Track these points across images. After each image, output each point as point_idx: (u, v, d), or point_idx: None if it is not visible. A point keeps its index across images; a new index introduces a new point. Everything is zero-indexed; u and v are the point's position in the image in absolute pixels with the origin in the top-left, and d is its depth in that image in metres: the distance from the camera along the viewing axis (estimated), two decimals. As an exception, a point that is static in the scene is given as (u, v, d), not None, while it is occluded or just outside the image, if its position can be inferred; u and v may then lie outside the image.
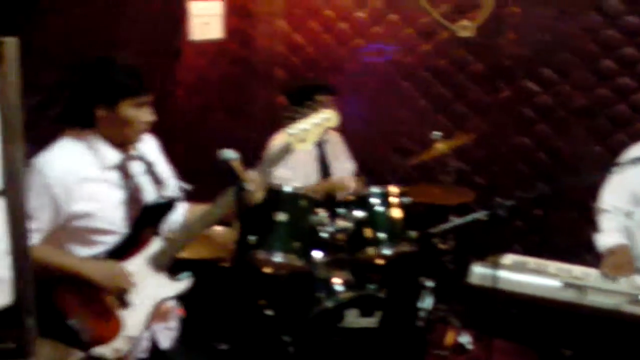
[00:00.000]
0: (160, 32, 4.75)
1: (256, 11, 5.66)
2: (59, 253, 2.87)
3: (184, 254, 3.79)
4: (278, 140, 4.76)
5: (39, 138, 3.68)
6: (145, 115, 2.90)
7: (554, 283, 3.83)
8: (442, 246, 4.58)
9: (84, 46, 4.06)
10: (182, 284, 3.08)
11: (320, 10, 5.52)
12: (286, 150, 3.26)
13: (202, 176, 5.08)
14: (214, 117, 5.48)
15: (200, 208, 3.17)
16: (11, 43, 1.89)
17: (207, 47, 5.28)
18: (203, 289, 3.36)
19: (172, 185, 3.21)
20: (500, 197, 5.02)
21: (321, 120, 3.37)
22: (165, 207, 3.03)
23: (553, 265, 4.12)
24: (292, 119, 4.69)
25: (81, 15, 4.05)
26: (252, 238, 3.92)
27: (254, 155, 5.01)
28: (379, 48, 5.39)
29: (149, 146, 3.14)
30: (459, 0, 5.13)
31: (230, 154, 2.84)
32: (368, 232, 4.10)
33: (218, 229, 4.19)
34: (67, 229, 2.88)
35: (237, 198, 2.70)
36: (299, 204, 4.03)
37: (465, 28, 5.12)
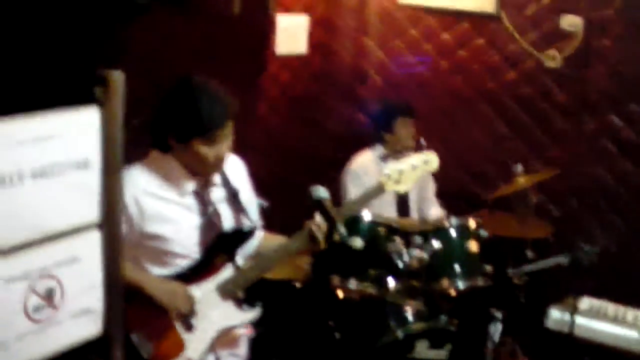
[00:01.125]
0: (247, 45, 4.75)
1: (342, 26, 5.64)
2: (128, 267, 2.85)
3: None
4: (359, 160, 4.79)
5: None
6: (220, 149, 2.84)
7: (632, 334, 3.74)
8: (516, 280, 4.49)
9: (171, 65, 4.13)
10: (249, 314, 3.05)
11: (407, 30, 5.47)
12: (378, 190, 3.24)
13: (280, 191, 5.13)
14: (294, 131, 5.47)
15: (275, 239, 3.17)
16: (118, 77, 1.89)
17: (291, 62, 5.29)
18: (275, 309, 3.35)
19: (254, 213, 3.17)
20: (578, 233, 4.98)
21: (421, 163, 3.33)
22: (241, 236, 3.01)
23: (632, 313, 4.02)
24: (378, 141, 4.74)
25: (166, 38, 4.09)
26: (327, 262, 3.91)
27: (335, 172, 5.09)
28: (462, 72, 5.32)
29: (236, 171, 3.11)
30: (548, 29, 5.02)
31: (322, 193, 2.82)
32: (443, 264, 4.06)
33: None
34: (143, 248, 2.89)
35: (326, 237, 2.68)
36: (376, 231, 4.01)
37: (553, 58, 5.02)
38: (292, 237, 3.05)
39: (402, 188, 3.28)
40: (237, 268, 3.00)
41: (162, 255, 2.89)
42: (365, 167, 4.71)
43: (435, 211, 4.91)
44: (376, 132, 4.85)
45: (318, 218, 2.97)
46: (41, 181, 1.70)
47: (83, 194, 1.82)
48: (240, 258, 3.04)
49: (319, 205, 2.80)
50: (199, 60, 4.31)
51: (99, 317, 1.91)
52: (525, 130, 5.19)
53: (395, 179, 3.24)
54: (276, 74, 5.13)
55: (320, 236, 2.95)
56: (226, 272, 2.98)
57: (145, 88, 3.91)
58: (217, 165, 2.87)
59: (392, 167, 3.27)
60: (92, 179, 1.85)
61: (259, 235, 3.23)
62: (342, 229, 2.76)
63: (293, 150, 5.53)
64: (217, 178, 2.99)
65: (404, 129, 4.75)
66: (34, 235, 1.72)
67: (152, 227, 2.83)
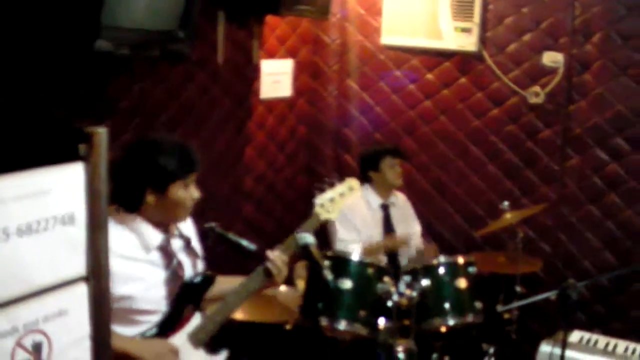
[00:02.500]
0: (233, 92, 4.82)
1: (325, 70, 5.73)
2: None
3: (247, 316, 3.85)
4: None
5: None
6: (193, 192, 2.95)
7: (624, 366, 3.76)
8: (506, 315, 4.52)
9: (157, 115, 4.21)
10: (218, 358, 3.14)
11: (390, 71, 5.55)
12: (315, 222, 3.35)
13: (269, 235, 5.15)
14: (283, 176, 5.53)
15: (229, 280, 3.21)
16: (102, 133, 1.94)
17: (277, 105, 5.35)
18: (265, 352, 3.38)
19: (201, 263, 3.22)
20: (568, 268, 5.02)
21: (346, 190, 3.51)
22: (204, 282, 3.07)
23: (622, 345, 4.05)
24: (366, 180, 4.80)
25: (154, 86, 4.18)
26: (316, 304, 3.93)
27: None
28: (447, 111, 5.40)
29: (186, 223, 3.17)
30: (530, 66, 5.11)
31: (308, 239, 2.87)
32: (433, 302, 4.09)
33: (283, 289, 4.21)
34: (111, 310, 2.90)
35: (313, 280, 2.72)
36: (365, 272, 4.03)
37: (536, 94, 5.09)
38: (250, 276, 3.12)
39: (332, 216, 3.44)
40: (205, 315, 3.07)
41: (130, 314, 2.90)
42: (353, 207, 4.75)
43: (417, 227, 5.05)
44: (363, 171, 4.93)
45: (274, 253, 3.07)
46: (27, 237, 1.75)
47: (70, 248, 1.87)
48: (204, 305, 3.11)
49: (304, 251, 2.85)
50: (185, 111, 4.39)
51: (87, 370, 1.94)
52: (512, 169, 5.26)
53: (326, 208, 3.40)
54: (261, 119, 5.19)
55: (275, 271, 3.03)
56: (195, 321, 3.04)
57: (132, 137, 3.97)
58: (190, 208, 2.97)
59: (323, 196, 3.44)
60: (79, 233, 1.90)
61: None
62: (329, 274, 2.80)
63: (284, 195, 5.57)
64: (175, 229, 3.06)
65: (391, 168, 4.84)
66: (21, 290, 1.76)
67: (121, 289, 2.84)
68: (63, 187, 1.84)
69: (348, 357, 4.20)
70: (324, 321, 3.90)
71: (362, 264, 4.04)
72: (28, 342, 1.77)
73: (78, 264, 1.89)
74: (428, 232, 5.18)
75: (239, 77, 4.87)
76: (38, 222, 1.77)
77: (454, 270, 4.17)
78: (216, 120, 4.68)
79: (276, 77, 5.28)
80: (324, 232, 4.84)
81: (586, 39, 4.94)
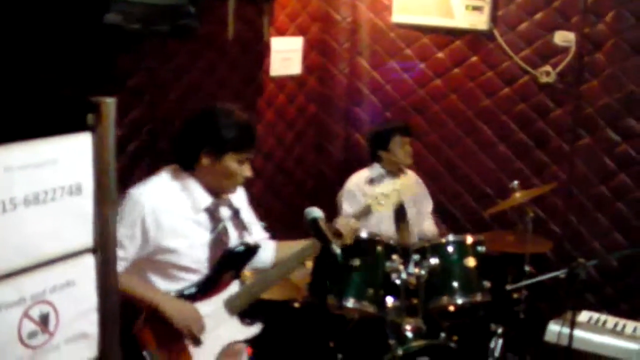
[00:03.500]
0: (243, 68, 4.80)
1: (335, 48, 5.70)
2: (142, 285, 2.98)
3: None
4: (354, 180, 4.85)
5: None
6: (246, 170, 3.01)
7: (632, 346, 3.75)
8: (515, 295, 4.50)
9: (167, 91, 4.21)
10: (252, 329, 3.18)
11: (401, 50, 5.52)
12: (366, 212, 3.49)
13: (278, 214, 5.15)
14: (293, 154, 5.52)
15: (289, 245, 3.29)
16: (110, 104, 1.92)
17: (286, 83, 5.33)
18: (273, 329, 3.39)
19: (257, 232, 3.31)
20: (577, 248, 4.99)
21: (400, 187, 3.57)
22: (246, 253, 3.12)
23: (631, 325, 4.03)
24: (375, 159, 4.79)
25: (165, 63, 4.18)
26: (325, 282, 3.92)
27: (331, 192, 5.14)
28: (457, 90, 5.37)
29: (237, 194, 3.22)
30: (541, 45, 5.06)
31: (316, 213, 2.88)
32: (442, 281, 4.09)
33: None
34: (152, 261, 2.99)
35: (323, 256, 2.73)
36: (374, 250, 4.04)
37: (547, 74, 5.05)
38: (295, 254, 3.21)
39: (385, 209, 3.57)
40: (243, 284, 3.14)
41: (173, 269, 2.99)
42: (360, 185, 4.76)
43: (428, 226, 4.94)
44: (373, 150, 4.91)
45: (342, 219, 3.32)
46: (34, 207, 1.73)
47: (77, 219, 1.85)
48: (250, 270, 3.23)
49: (313, 225, 2.85)
50: (195, 86, 4.38)
51: (95, 342, 1.93)
52: (523, 148, 5.22)
53: (379, 201, 3.51)
54: (271, 96, 5.17)
55: (344, 231, 3.28)
56: (233, 288, 3.11)
57: (141, 114, 3.97)
58: (240, 183, 3.05)
59: (377, 191, 3.54)
60: (86, 204, 1.88)
61: (271, 246, 3.37)
62: (337, 249, 2.80)
63: (294, 173, 5.57)
64: (227, 197, 3.12)
65: (400, 147, 4.81)
66: (27, 261, 1.75)
67: (168, 242, 2.94)
68: (70, 157, 1.82)
69: (356, 335, 4.19)
70: (331, 299, 3.90)
71: (371, 242, 4.05)
72: (35, 312, 1.76)
73: (85, 235, 1.88)
74: (437, 211, 5.15)
75: (248, 55, 4.85)
76: (45, 192, 1.75)
77: (463, 249, 4.17)
78: (225, 98, 4.65)
79: (286, 55, 5.25)
80: (332, 209, 4.86)
81: (598, 18, 4.88)
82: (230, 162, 2.96)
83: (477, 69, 5.30)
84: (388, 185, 3.58)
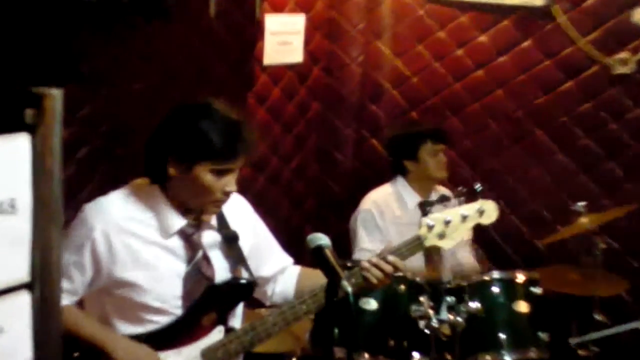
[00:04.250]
0: (229, 55, 4.84)
1: (348, 28, 5.72)
2: (90, 322, 2.97)
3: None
4: (374, 198, 4.86)
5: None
6: (227, 183, 2.94)
7: None
8: (581, 352, 4.46)
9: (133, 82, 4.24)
10: None
11: (432, 32, 5.55)
12: (416, 246, 3.30)
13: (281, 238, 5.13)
14: (288, 163, 5.52)
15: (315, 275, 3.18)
16: (55, 96, 1.88)
17: (284, 74, 5.35)
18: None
19: (275, 259, 3.35)
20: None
21: (474, 213, 3.41)
22: (237, 291, 3.11)
23: None
24: (399, 172, 4.78)
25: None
26: (332, 330, 3.90)
27: (343, 214, 5.14)
28: (504, 84, 5.39)
29: (236, 211, 3.21)
30: (616, 26, 5.07)
31: (321, 240, 2.80)
32: (484, 331, 4.07)
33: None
34: (110, 298, 2.98)
35: (329, 296, 2.68)
36: (395, 288, 4.01)
37: (624, 62, 5.04)
38: (303, 298, 3.13)
39: (446, 244, 3.36)
40: (230, 331, 3.09)
41: (134, 309, 2.97)
42: (382, 207, 4.75)
43: (465, 258, 4.94)
44: (396, 161, 4.91)
45: (372, 260, 3.14)
46: (-47, 229, 1.71)
47: (8, 245, 1.82)
48: (234, 318, 3.13)
49: (317, 255, 2.81)
50: (166, 78, 4.39)
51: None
52: (589, 159, 5.23)
53: (438, 232, 3.31)
54: (264, 91, 5.19)
55: (373, 280, 3.12)
56: (215, 336, 3.06)
57: (96, 110, 3.96)
58: (221, 200, 2.97)
59: (436, 216, 3.33)
60: (21, 227, 1.84)
61: (294, 272, 3.38)
62: (349, 286, 2.76)
63: (292, 189, 5.60)
64: (212, 218, 3.09)
65: (432, 156, 4.81)
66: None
67: (125, 273, 2.92)
68: (1, 165, 1.79)
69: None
70: (339, 352, 3.86)
71: (391, 278, 3.98)
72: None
73: (19, 267, 1.84)
74: (478, 240, 5.14)
75: (235, 37, 4.87)
76: (-32, 210, 1.72)
77: (512, 290, 4.16)
78: (205, 92, 4.63)
79: (284, 38, 5.28)
80: (344, 240, 4.85)
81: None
82: (203, 173, 2.89)
83: (530, 57, 5.30)
84: (450, 212, 3.36)
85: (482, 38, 5.43)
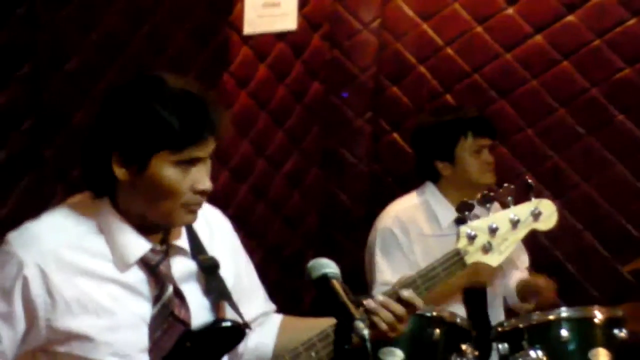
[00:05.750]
0: (198, 20, 4.85)
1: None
2: None
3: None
4: (398, 211, 4.88)
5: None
6: (199, 179, 2.89)
7: None
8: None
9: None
10: None
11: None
12: (455, 264, 3.29)
13: (259, 270, 5.15)
14: (279, 167, 5.55)
15: (306, 326, 3.23)
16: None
17: (272, 46, 5.37)
18: None
19: (254, 304, 3.28)
20: None
21: (528, 217, 3.40)
22: (221, 337, 3.06)
23: None
24: (430, 177, 4.79)
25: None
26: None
27: (357, 236, 5.14)
28: (572, 51, 5.41)
29: (214, 231, 3.19)
30: None
31: (326, 267, 2.79)
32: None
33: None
34: (51, 358, 2.93)
35: (338, 342, 2.68)
36: (427, 334, 4.06)
37: None
38: (310, 340, 3.10)
39: (494, 260, 3.33)
40: None
41: None
42: (407, 224, 4.77)
43: (524, 256, 4.99)
44: (426, 162, 4.91)
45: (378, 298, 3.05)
46: None
47: None
48: None
49: (322, 286, 2.79)
50: (111, 51, 4.41)
51: None
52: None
53: (482, 243, 3.30)
54: (246, 69, 5.19)
55: (383, 326, 3.02)
56: None
57: (16, 100, 3.98)
58: (193, 204, 2.92)
59: (478, 223, 3.31)
60: None
61: (275, 322, 3.34)
62: (365, 329, 2.76)
63: (285, 201, 5.63)
64: (182, 241, 3.05)
65: (474, 154, 4.82)
66: None
67: (70, 322, 2.86)
68: None
69: None
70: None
71: (421, 321, 4.06)
72: None
73: None
74: (538, 264, 5.17)
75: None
76: None
77: (588, 334, 4.18)
78: (165, 70, 4.66)
79: None
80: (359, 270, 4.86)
81: None
82: (163, 168, 2.83)
83: (608, 14, 5.32)
84: (496, 217, 3.35)
85: None
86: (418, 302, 3.09)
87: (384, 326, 3.02)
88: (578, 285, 5.46)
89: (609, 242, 5.44)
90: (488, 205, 3.37)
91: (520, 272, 4.99)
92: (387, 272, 4.69)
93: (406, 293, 3.07)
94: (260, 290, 3.34)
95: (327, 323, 3.08)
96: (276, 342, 3.30)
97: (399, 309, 3.04)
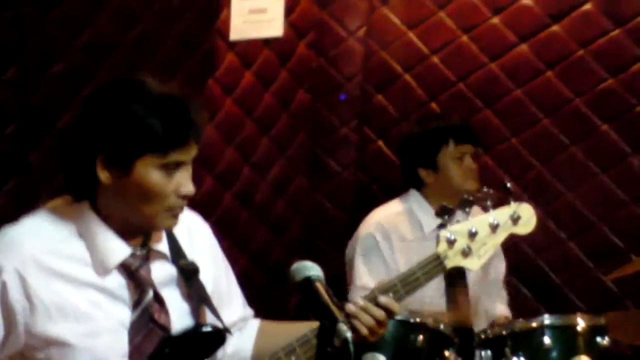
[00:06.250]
0: (184, 25, 4.86)
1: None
2: None
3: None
4: (380, 218, 4.89)
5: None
6: (182, 183, 2.90)
7: None
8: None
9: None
10: None
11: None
12: (434, 268, 3.29)
13: (244, 276, 5.14)
14: (264, 175, 5.55)
15: (285, 330, 3.23)
16: None
17: (258, 53, 5.37)
18: None
19: (233, 309, 3.28)
20: None
21: (507, 221, 3.40)
22: (201, 342, 3.06)
23: None
24: (413, 184, 4.79)
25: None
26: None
27: (342, 244, 5.17)
28: (557, 61, 5.40)
29: (195, 237, 3.19)
30: None
31: (310, 270, 2.79)
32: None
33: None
34: None
35: (320, 345, 2.68)
36: (410, 340, 4.04)
37: None
38: (296, 344, 3.10)
39: (473, 264, 3.33)
40: None
41: None
42: (389, 231, 4.79)
43: (500, 307, 4.98)
44: (409, 170, 4.93)
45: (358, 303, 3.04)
46: None
47: None
48: None
49: (306, 289, 2.78)
50: (96, 56, 4.40)
51: None
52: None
53: (462, 247, 3.30)
54: (231, 76, 5.20)
55: (364, 331, 3.02)
56: None
57: (2, 102, 3.97)
58: (176, 207, 2.92)
59: (457, 228, 3.31)
60: None
61: (253, 327, 3.35)
62: (348, 331, 2.75)
63: (270, 209, 5.63)
64: (163, 245, 3.05)
65: (456, 162, 4.83)
66: None
67: (49, 327, 2.86)
68: None
69: None
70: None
71: (405, 327, 4.06)
72: None
73: None
74: (522, 274, 5.17)
75: (192, 2, 4.89)
76: None
77: (570, 341, 4.18)
78: (152, 75, 4.67)
79: (256, 3, 5.30)
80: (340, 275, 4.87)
81: None
82: (147, 171, 2.84)
83: (592, 25, 5.32)
84: (475, 221, 3.35)
85: (527, 0, 5.45)
86: (395, 307, 3.09)
87: (364, 330, 3.02)
88: (562, 295, 5.47)
89: (593, 252, 5.46)
90: (467, 209, 3.46)
91: (496, 288, 5.05)
92: (366, 276, 4.72)
93: (384, 299, 3.07)
94: (239, 296, 3.35)
95: (306, 327, 3.11)
96: (255, 346, 3.32)
97: (380, 313, 3.04)
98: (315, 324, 2.97)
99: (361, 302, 3.06)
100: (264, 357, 3.18)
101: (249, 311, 3.36)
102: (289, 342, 3.10)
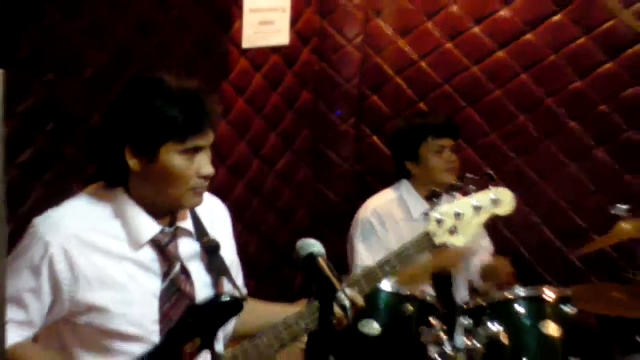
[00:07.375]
0: (201, 32, 4.91)
1: (344, 4, 5.82)
2: (49, 356, 3.03)
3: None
4: (375, 205, 4.95)
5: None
6: (202, 165, 2.97)
7: None
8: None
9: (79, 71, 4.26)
10: None
11: (444, 5, 5.62)
12: (423, 245, 3.38)
13: (255, 258, 5.12)
14: (272, 166, 5.63)
15: (271, 310, 3.35)
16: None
17: (267, 58, 5.43)
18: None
19: (238, 275, 3.35)
20: None
21: (488, 204, 3.49)
22: (225, 310, 3.12)
23: None
24: (403, 175, 4.89)
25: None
26: (325, 357, 3.94)
27: (342, 228, 5.20)
28: (531, 64, 5.47)
29: (215, 217, 3.27)
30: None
31: (313, 247, 2.83)
32: (507, 357, 4.10)
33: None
34: (73, 326, 3.01)
35: (323, 314, 2.71)
36: (401, 309, 4.09)
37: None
38: (300, 314, 3.20)
39: (459, 241, 3.43)
40: (217, 358, 3.12)
41: (102, 338, 2.98)
42: (384, 216, 4.84)
43: (486, 243, 5.07)
44: (398, 162, 5.00)
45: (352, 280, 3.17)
46: None
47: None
48: (221, 344, 3.18)
49: (309, 265, 2.79)
50: (119, 62, 4.41)
51: None
52: (635, 155, 5.27)
53: (449, 227, 3.39)
54: (243, 79, 5.27)
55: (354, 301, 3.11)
56: None
57: (40, 102, 4.04)
58: (199, 187, 2.99)
59: (445, 209, 3.42)
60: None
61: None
62: (348, 302, 2.76)
63: (278, 197, 5.68)
64: (188, 224, 3.13)
65: (435, 154, 4.87)
66: None
67: (89, 295, 2.93)
68: None
69: None
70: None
71: (396, 298, 4.10)
72: None
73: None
74: (501, 253, 5.21)
75: (207, 13, 4.94)
76: None
77: (541, 310, 4.21)
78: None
79: (266, 16, 5.34)
80: (344, 259, 4.96)
81: None
82: (171, 157, 2.92)
83: (563, 32, 5.35)
84: (461, 203, 3.45)
85: (504, 12, 5.49)
86: (359, 301, 3.23)
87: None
88: (535, 271, 5.52)
89: (562, 233, 5.51)
90: (454, 194, 3.51)
91: (483, 256, 5.06)
92: (365, 257, 4.77)
93: (350, 292, 3.14)
94: (241, 276, 3.42)
95: (287, 311, 3.25)
96: (237, 322, 3.35)
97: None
98: (295, 309, 3.20)
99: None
100: (243, 331, 3.29)
101: (245, 291, 3.31)
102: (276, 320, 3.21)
